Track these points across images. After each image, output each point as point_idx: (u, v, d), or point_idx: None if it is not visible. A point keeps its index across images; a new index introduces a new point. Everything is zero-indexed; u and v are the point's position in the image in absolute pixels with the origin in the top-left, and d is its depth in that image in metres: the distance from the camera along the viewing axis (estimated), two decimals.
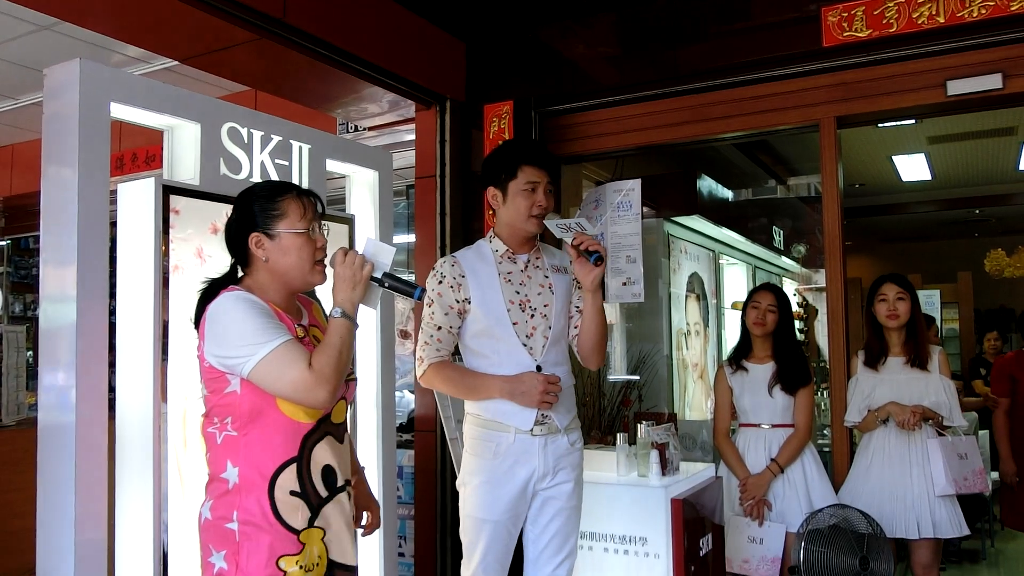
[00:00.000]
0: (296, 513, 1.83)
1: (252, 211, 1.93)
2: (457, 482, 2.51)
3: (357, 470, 2.24)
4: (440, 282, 2.44)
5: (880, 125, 5.50)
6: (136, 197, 2.28)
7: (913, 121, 5.51)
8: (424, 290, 1.98)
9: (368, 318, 3.07)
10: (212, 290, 1.92)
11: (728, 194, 5.85)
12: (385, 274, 1.97)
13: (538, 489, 2.43)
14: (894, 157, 7.21)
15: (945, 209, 9.24)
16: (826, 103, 3.70)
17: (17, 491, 2.45)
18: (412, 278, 2.03)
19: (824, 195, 3.77)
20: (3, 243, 7.03)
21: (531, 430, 2.39)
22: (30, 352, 2.89)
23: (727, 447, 3.47)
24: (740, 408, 3.50)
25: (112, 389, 2.26)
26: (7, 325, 2.69)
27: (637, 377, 4.78)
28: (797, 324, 5.38)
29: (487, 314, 2.42)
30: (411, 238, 4.65)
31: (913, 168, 7.56)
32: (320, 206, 2.00)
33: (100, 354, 2.17)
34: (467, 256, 2.51)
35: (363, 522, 2.23)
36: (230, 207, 2.49)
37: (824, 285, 3.93)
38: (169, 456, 2.26)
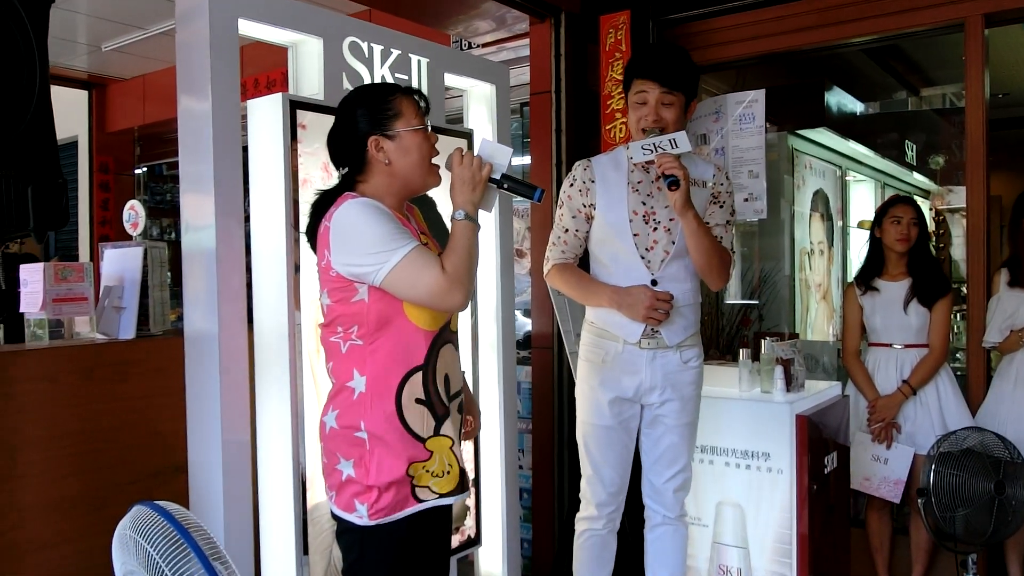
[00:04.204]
0: (421, 421, 1.84)
1: (366, 114, 1.88)
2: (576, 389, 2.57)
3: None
4: (572, 184, 2.48)
5: None
6: (265, 114, 2.34)
7: None
8: (543, 191, 1.95)
9: (487, 234, 3.08)
10: (326, 201, 1.90)
11: (858, 106, 5.53)
12: (504, 175, 1.93)
13: (646, 403, 2.45)
14: None
15: None
16: None
17: (167, 395, 2.61)
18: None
19: (968, 102, 3.49)
20: (140, 171, 7.41)
21: (638, 342, 2.40)
22: (168, 273, 3.04)
23: (856, 367, 3.36)
24: (871, 327, 3.37)
25: (250, 300, 2.37)
26: (151, 241, 2.84)
27: (756, 301, 4.67)
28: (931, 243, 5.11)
29: (609, 222, 2.41)
30: (526, 160, 4.62)
31: None
32: (426, 103, 1.96)
33: (238, 272, 2.27)
34: (602, 161, 2.50)
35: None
36: None
37: (958, 204, 3.69)
38: (304, 362, 2.36)
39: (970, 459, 2.99)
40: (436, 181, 1.97)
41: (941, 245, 5.93)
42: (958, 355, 4.62)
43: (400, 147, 1.88)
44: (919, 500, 3.07)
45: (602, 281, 2.44)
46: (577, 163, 2.51)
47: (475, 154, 1.93)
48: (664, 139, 2.26)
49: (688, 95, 2.39)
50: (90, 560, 2.39)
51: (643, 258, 2.40)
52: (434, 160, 1.96)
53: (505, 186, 1.94)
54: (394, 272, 1.76)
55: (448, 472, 1.89)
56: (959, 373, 3.84)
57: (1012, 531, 3.03)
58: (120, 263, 2.76)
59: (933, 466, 3.01)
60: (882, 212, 3.42)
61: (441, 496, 1.89)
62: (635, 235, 2.40)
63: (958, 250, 5.75)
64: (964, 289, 3.57)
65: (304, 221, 2.03)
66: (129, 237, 2.95)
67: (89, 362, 2.52)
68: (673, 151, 2.25)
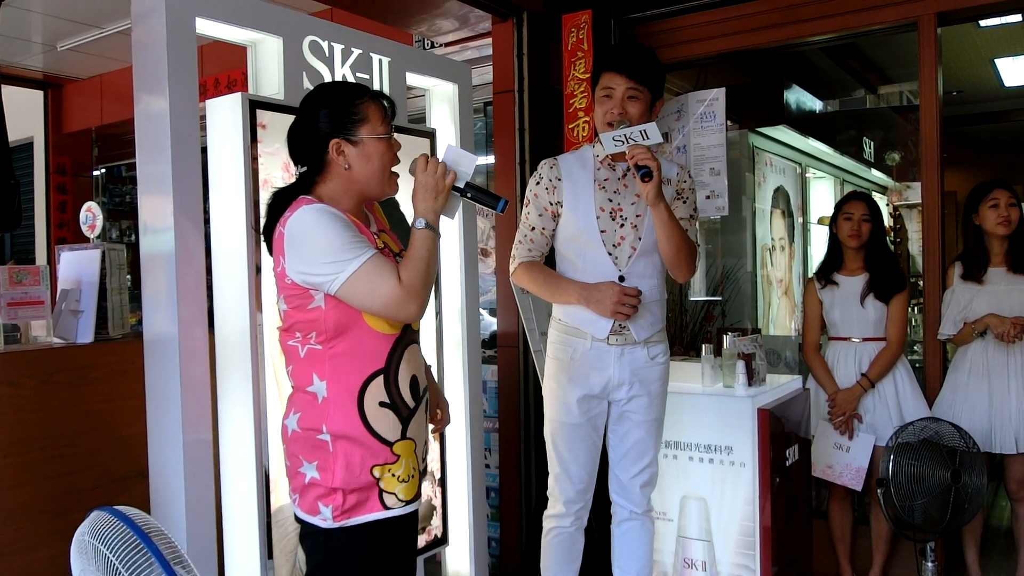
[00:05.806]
0: (388, 425, 1.83)
1: (330, 115, 1.83)
2: (542, 387, 2.58)
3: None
4: (538, 183, 2.49)
5: (982, 24, 5.15)
6: (224, 114, 2.32)
7: (1020, 18, 5.14)
8: (507, 202, 1.94)
9: (450, 233, 3.08)
10: (282, 201, 1.86)
11: (817, 104, 5.61)
12: (468, 184, 1.91)
13: (614, 399, 2.47)
14: (996, 60, 6.77)
15: None
16: None
17: (128, 399, 2.58)
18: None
19: (922, 100, 3.57)
20: (98, 172, 7.27)
21: (607, 339, 2.41)
22: (128, 276, 3.00)
23: (816, 361, 3.41)
24: (830, 322, 3.43)
25: (210, 302, 2.35)
26: (109, 243, 2.80)
27: (719, 298, 4.73)
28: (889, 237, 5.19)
29: (576, 219, 2.42)
30: (490, 159, 4.62)
31: (1017, 72, 7.08)
32: (394, 111, 1.93)
33: (198, 273, 2.25)
34: (568, 160, 2.51)
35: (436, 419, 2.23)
36: None
37: (915, 200, 3.75)
38: (267, 363, 2.35)
39: (927, 449, 3.06)
40: (394, 190, 1.94)
41: (898, 240, 6.04)
42: (915, 347, 4.71)
43: (362, 153, 1.85)
44: (879, 490, 3.12)
45: (569, 278, 2.46)
46: (543, 161, 2.52)
47: (439, 160, 1.90)
48: (635, 130, 2.26)
49: (654, 92, 2.41)
50: (52, 568, 2.35)
51: (610, 254, 2.42)
52: (395, 168, 1.93)
53: (468, 195, 1.92)
54: (349, 282, 1.74)
55: (412, 477, 1.89)
56: (916, 365, 3.92)
57: (969, 518, 3.10)
58: (77, 266, 2.72)
59: (892, 457, 3.07)
60: (837, 209, 3.49)
61: (407, 503, 1.89)
62: (602, 231, 2.42)
63: (914, 245, 5.86)
64: (920, 283, 3.64)
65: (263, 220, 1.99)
66: (87, 239, 2.90)
67: (48, 366, 2.48)
68: (644, 142, 2.26)
